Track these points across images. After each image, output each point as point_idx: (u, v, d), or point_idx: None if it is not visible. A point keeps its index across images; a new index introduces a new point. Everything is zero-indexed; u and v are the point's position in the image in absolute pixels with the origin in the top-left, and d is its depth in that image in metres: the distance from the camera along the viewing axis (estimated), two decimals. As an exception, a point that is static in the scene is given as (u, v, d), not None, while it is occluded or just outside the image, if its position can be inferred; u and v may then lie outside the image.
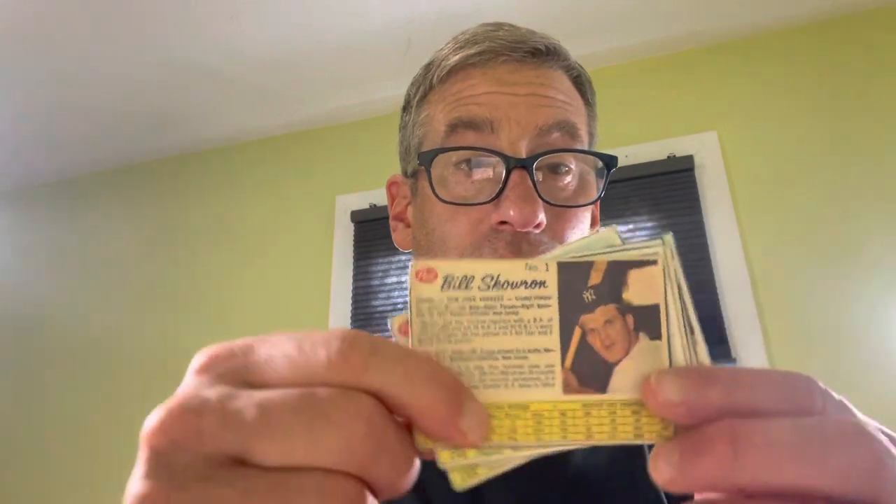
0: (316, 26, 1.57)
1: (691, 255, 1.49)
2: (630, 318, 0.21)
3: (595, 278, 0.22)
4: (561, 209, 0.45)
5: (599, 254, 0.22)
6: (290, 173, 1.93)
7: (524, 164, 0.44)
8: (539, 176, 0.45)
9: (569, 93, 0.49)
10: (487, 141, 0.45)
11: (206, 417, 0.18)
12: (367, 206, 1.79)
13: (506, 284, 0.22)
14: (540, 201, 0.43)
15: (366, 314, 1.67)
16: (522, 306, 0.22)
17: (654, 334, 0.21)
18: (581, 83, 0.51)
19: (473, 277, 0.22)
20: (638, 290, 0.22)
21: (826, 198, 1.44)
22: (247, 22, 1.54)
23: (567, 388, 0.21)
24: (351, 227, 1.79)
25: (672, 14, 1.57)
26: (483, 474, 0.21)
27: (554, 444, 0.21)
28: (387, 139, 1.90)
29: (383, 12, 1.53)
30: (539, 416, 0.21)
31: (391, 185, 0.56)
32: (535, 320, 0.21)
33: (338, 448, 0.18)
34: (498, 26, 0.50)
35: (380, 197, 1.78)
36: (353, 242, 1.77)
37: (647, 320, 0.21)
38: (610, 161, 0.48)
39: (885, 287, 1.34)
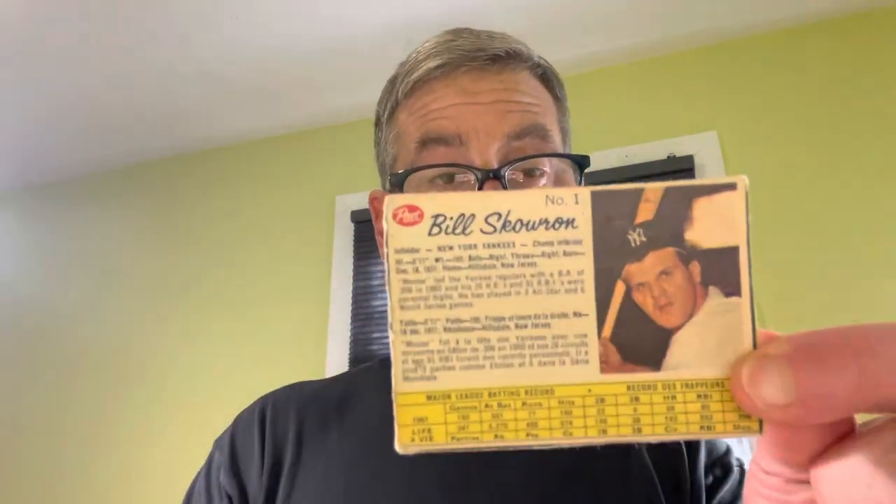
0: (316, 27, 1.57)
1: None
2: (696, 267, 0.16)
3: (645, 213, 0.16)
4: None
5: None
6: (290, 173, 1.93)
7: (495, 175, 0.43)
8: (520, 178, 0.45)
9: (535, 93, 0.48)
10: (458, 153, 0.45)
11: None
12: (367, 206, 1.79)
13: (518, 225, 0.16)
14: None
15: (366, 314, 1.67)
16: (542, 255, 0.16)
17: (732, 288, 0.16)
18: (548, 79, 0.51)
19: (473, 217, 0.16)
20: (708, 226, 0.16)
21: (826, 197, 1.44)
22: (247, 22, 1.54)
23: (606, 366, 0.16)
24: (351, 227, 1.79)
25: (672, 14, 1.57)
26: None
27: (588, 440, 0.16)
28: (387, 139, 1.89)
29: (383, 13, 1.53)
30: (568, 403, 0.16)
31: (373, 199, 0.56)
32: (559, 273, 0.16)
33: None
34: (457, 34, 0.49)
35: (380, 197, 1.78)
36: (353, 242, 1.77)
37: (722, 268, 0.16)
38: (582, 161, 0.48)
39: (886, 286, 1.34)
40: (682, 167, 1.55)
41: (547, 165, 0.47)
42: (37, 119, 1.88)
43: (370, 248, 1.75)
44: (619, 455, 0.44)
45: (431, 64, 0.47)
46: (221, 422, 0.54)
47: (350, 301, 1.69)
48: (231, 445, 0.50)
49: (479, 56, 0.47)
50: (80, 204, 2.14)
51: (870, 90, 1.49)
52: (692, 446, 0.46)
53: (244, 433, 0.50)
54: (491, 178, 0.43)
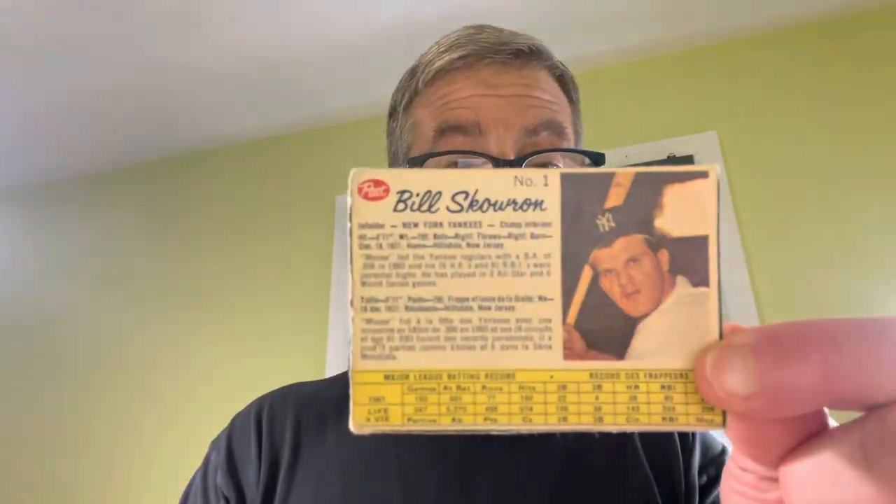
0: (316, 26, 1.57)
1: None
2: (664, 255, 0.16)
3: (615, 198, 0.16)
4: None
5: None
6: (290, 173, 1.93)
7: (511, 166, 0.44)
8: None
9: (553, 92, 0.49)
10: (476, 143, 0.45)
11: None
12: (367, 206, 1.79)
13: (486, 204, 0.16)
14: None
15: (366, 314, 1.67)
16: (509, 236, 0.16)
17: (699, 278, 0.16)
18: (564, 82, 0.51)
19: (440, 194, 0.16)
20: (678, 214, 0.16)
21: (827, 197, 1.44)
22: (247, 22, 1.54)
23: (569, 353, 0.16)
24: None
25: (672, 14, 1.57)
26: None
27: (547, 426, 0.16)
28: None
29: (383, 12, 1.53)
30: (529, 389, 0.16)
31: None
32: (526, 256, 0.16)
33: None
34: (480, 29, 0.50)
35: (380, 197, 1.77)
36: (353, 242, 1.77)
37: (691, 258, 0.16)
38: (597, 158, 0.48)
39: (887, 287, 1.34)
40: (682, 167, 1.55)
41: (560, 161, 0.47)
42: (36, 119, 1.88)
43: (370, 249, 1.75)
44: (616, 455, 0.44)
45: (454, 55, 0.48)
46: (220, 422, 0.54)
47: (350, 301, 1.69)
48: (228, 447, 0.49)
49: (502, 50, 0.47)
50: (80, 204, 2.14)
51: (870, 90, 1.49)
52: (687, 446, 0.46)
53: (241, 434, 0.50)
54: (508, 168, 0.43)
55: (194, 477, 0.51)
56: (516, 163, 0.44)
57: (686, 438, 0.47)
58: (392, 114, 0.54)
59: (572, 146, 0.49)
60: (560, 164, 0.47)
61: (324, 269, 1.76)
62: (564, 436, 0.44)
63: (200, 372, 1.75)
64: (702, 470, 0.46)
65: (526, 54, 0.48)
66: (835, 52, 1.55)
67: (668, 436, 0.46)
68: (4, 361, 2.00)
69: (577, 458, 0.43)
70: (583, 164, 0.49)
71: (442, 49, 0.49)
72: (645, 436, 0.46)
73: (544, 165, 0.46)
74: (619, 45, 1.67)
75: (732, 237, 1.48)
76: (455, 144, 0.46)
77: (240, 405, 0.54)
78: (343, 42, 1.63)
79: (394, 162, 0.53)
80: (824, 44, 1.56)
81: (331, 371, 1.61)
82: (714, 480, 0.45)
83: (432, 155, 0.46)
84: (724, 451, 0.47)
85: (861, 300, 1.34)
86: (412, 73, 0.51)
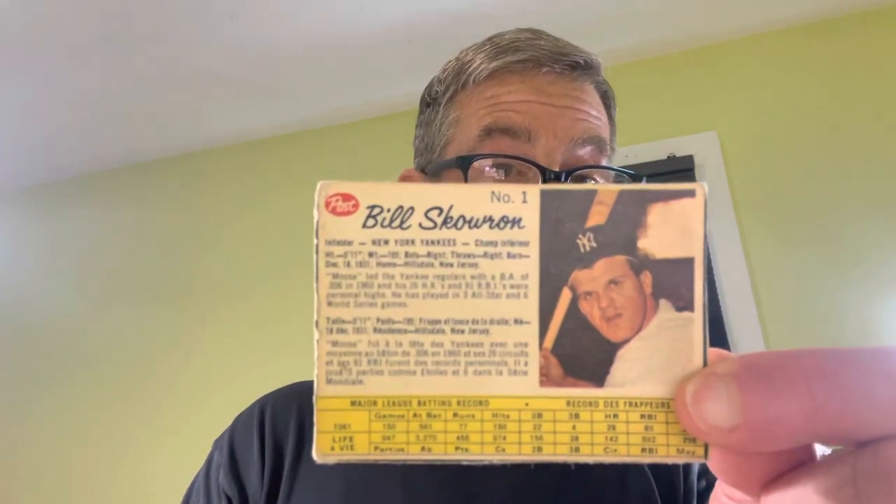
0: (316, 26, 1.57)
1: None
2: (647, 278, 0.15)
3: (597, 216, 0.15)
4: None
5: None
6: (291, 173, 1.93)
7: (559, 177, 0.44)
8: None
9: (598, 108, 0.50)
10: (522, 149, 0.45)
11: None
12: (367, 206, 1.79)
13: (461, 221, 0.15)
14: None
15: (366, 314, 1.67)
16: (484, 255, 0.15)
17: (684, 303, 0.15)
18: (608, 98, 0.52)
19: (413, 210, 0.15)
20: (662, 235, 0.15)
21: (827, 198, 1.44)
22: (246, 22, 1.54)
23: (546, 379, 0.15)
24: (351, 227, 1.79)
25: (672, 14, 1.57)
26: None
27: (521, 457, 0.15)
28: (387, 139, 1.90)
29: (383, 12, 1.53)
30: (503, 417, 0.15)
31: (404, 179, 0.55)
32: (502, 277, 0.15)
33: None
34: (538, 35, 0.50)
35: (380, 197, 1.77)
36: (353, 242, 1.77)
37: (675, 281, 0.15)
38: (636, 178, 0.49)
39: (887, 288, 1.34)
40: (682, 167, 1.55)
41: (599, 178, 0.48)
42: (37, 119, 1.87)
43: (370, 248, 1.75)
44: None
45: (513, 57, 0.48)
46: (223, 422, 0.54)
47: (350, 301, 1.69)
48: (230, 446, 0.49)
49: (561, 60, 0.48)
50: (81, 204, 2.14)
51: (870, 90, 1.49)
52: None
53: (243, 433, 0.50)
54: (554, 179, 0.44)
55: (197, 476, 0.51)
56: (563, 174, 0.44)
57: None
58: (431, 104, 0.53)
59: (610, 163, 0.49)
60: (600, 181, 0.47)
61: (324, 269, 1.76)
62: None
63: (201, 372, 1.75)
64: (701, 475, 0.46)
65: (582, 67, 0.49)
66: (835, 52, 1.55)
67: None
68: (6, 361, 2.00)
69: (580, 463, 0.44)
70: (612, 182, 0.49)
71: (498, 50, 0.49)
72: None
73: (583, 178, 0.46)
74: (619, 45, 1.67)
75: (732, 237, 1.48)
76: (501, 147, 0.45)
77: (242, 405, 0.54)
78: (343, 42, 1.63)
79: (425, 152, 0.52)
80: (825, 44, 1.56)
81: (331, 371, 1.61)
82: (713, 485, 0.45)
83: (484, 156, 0.45)
84: None
85: (862, 300, 1.35)
86: (461, 66, 0.50)
